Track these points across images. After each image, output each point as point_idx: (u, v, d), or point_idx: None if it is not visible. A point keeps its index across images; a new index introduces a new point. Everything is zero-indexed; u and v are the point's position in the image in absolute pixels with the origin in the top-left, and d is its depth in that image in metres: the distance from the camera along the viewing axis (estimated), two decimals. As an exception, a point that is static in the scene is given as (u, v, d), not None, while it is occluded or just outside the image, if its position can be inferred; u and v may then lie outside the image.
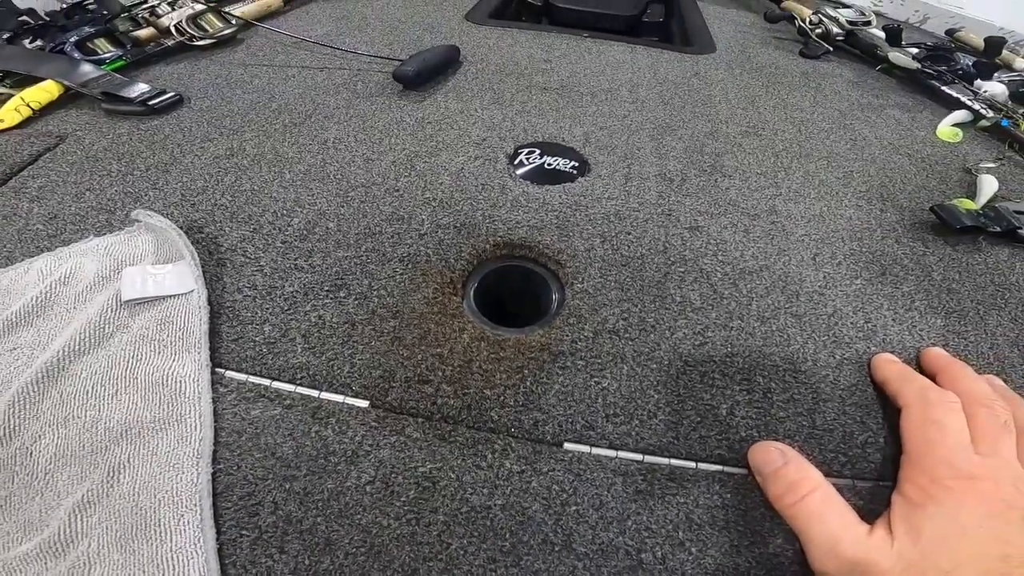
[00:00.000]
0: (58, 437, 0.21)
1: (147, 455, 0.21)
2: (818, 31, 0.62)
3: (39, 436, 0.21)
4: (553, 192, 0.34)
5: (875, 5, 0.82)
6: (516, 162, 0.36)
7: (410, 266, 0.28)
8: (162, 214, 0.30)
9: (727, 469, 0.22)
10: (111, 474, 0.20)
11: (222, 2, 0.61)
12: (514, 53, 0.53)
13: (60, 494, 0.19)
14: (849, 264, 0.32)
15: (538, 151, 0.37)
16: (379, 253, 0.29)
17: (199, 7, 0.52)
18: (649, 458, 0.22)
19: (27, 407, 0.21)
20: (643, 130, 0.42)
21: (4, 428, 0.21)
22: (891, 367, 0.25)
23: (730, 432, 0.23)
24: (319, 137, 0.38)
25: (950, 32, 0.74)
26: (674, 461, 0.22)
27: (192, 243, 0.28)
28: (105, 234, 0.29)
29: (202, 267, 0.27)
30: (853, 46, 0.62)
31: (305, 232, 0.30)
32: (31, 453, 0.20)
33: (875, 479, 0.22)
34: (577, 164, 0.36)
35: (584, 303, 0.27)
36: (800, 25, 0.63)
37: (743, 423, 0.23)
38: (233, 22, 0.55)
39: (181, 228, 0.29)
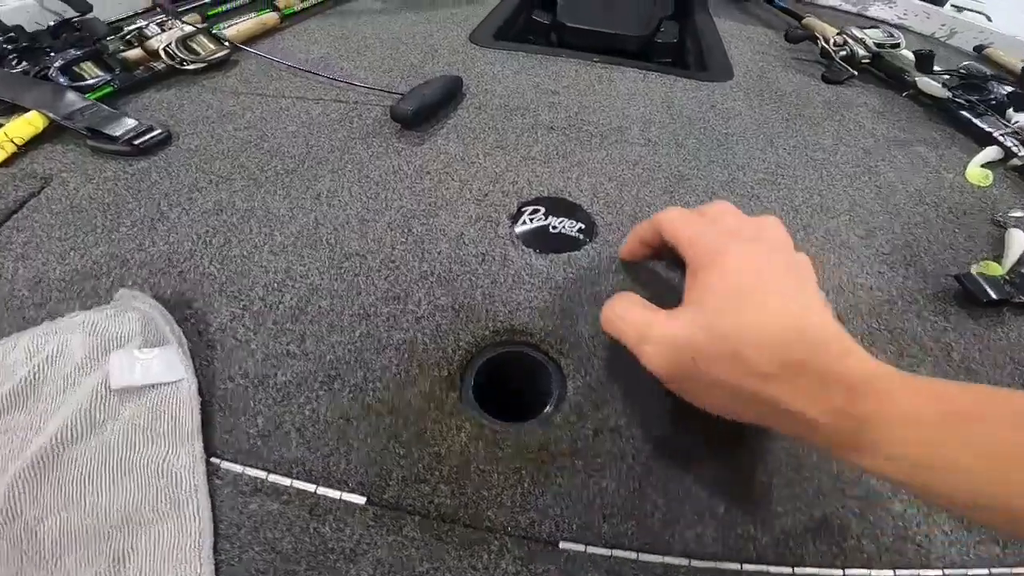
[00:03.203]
0: (60, 521, 0.21)
1: (150, 545, 0.21)
2: (842, 53, 0.58)
3: (41, 519, 0.21)
4: (557, 264, 0.32)
5: (899, 19, 0.78)
6: (519, 223, 0.34)
7: (406, 356, 0.27)
8: (148, 284, 0.29)
9: (720, 565, 0.21)
10: (116, 561, 0.20)
11: (215, 21, 0.59)
12: (520, 83, 0.50)
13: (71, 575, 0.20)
14: (865, 345, 0.29)
15: (543, 210, 0.35)
16: (374, 339, 0.27)
17: (189, 29, 0.50)
18: (644, 556, 0.22)
19: (27, 491, 0.21)
20: (655, 180, 0.39)
21: (6, 510, 0.21)
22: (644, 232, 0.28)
23: (726, 528, 0.22)
24: (312, 189, 0.36)
25: (978, 49, 0.70)
26: (668, 559, 0.21)
27: (180, 320, 0.27)
28: (91, 307, 0.28)
29: (191, 350, 0.25)
30: (879, 69, 0.59)
31: (297, 312, 0.28)
32: (36, 534, 0.21)
33: (891, 567, 0.22)
34: (584, 227, 0.34)
35: (586, 399, 0.26)
36: (823, 47, 0.60)
37: (740, 519, 0.22)
38: (226, 44, 0.52)
39: (169, 301, 0.27)
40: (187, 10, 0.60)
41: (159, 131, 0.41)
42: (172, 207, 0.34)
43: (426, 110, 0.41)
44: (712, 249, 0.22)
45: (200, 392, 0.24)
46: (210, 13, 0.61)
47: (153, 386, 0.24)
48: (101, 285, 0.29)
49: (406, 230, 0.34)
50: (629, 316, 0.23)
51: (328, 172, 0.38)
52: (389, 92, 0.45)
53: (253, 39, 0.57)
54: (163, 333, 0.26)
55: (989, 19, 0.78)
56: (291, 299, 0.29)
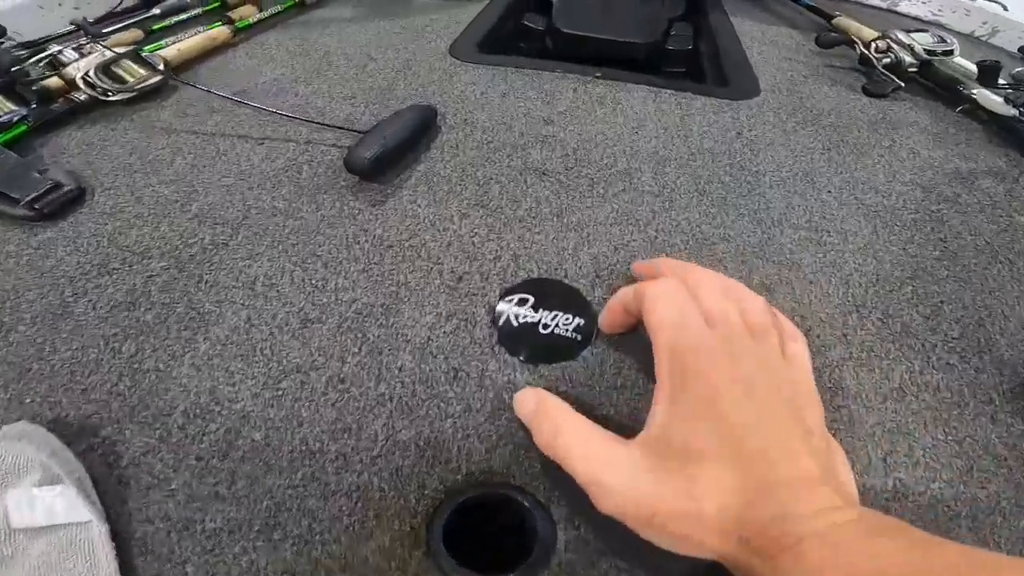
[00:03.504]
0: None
1: None
2: (886, 61, 0.50)
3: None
4: (549, 379, 0.25)
5: (934, 15, 0.69)
6: (502, 321, 0.27)
7: (359, 504, 0.21)
8: (48, 402, 0.23)
9: None
10: None
11: (160, 36, 0.51)
12: (507, 109, 0.42)
13: None
14: (928, 461, 0.23)
15: (531, 299, 0.27)
16: (320, 483, 0.21)
17: (111, 53, 0.42)
18: None
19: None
20: (672, 247, 0.32)
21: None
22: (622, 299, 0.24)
23: None
24: (246, 274, 0.29)
25: None
26: None
27: (87, 451, 0.22)
28: None
29: (100, 488, 0.21)
30: (927, 79, 0.51)
31: (225, 446, 0.22)
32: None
33: None
34: (582, 323, 0.27)
35: (580, 556, 0.20)
36: (863, 52, 0.52)
37: None
38: (160, 66, 0.44)
39: (72, 426, 0.23)
40: (128, 25, 0.52)
41: (68, 187, 0.33)
42: (78, 298, 0.27)
43: (389, 155, 0.34)
44: (691, 362, 0.19)
45: (113, 535, 0.20)
46: (154, 28, 0.53)
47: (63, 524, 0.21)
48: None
49: (360, 335, 0.26)
50: (579, 450, 0.20)
51: (266, 247, 0.30)
52: (347, 129, 0.38)
53: (200, 58, 0.49)
54: (64, 468, 0.21)
55: (1005, 8, 0.69)
56: (217, 429, 0.23)
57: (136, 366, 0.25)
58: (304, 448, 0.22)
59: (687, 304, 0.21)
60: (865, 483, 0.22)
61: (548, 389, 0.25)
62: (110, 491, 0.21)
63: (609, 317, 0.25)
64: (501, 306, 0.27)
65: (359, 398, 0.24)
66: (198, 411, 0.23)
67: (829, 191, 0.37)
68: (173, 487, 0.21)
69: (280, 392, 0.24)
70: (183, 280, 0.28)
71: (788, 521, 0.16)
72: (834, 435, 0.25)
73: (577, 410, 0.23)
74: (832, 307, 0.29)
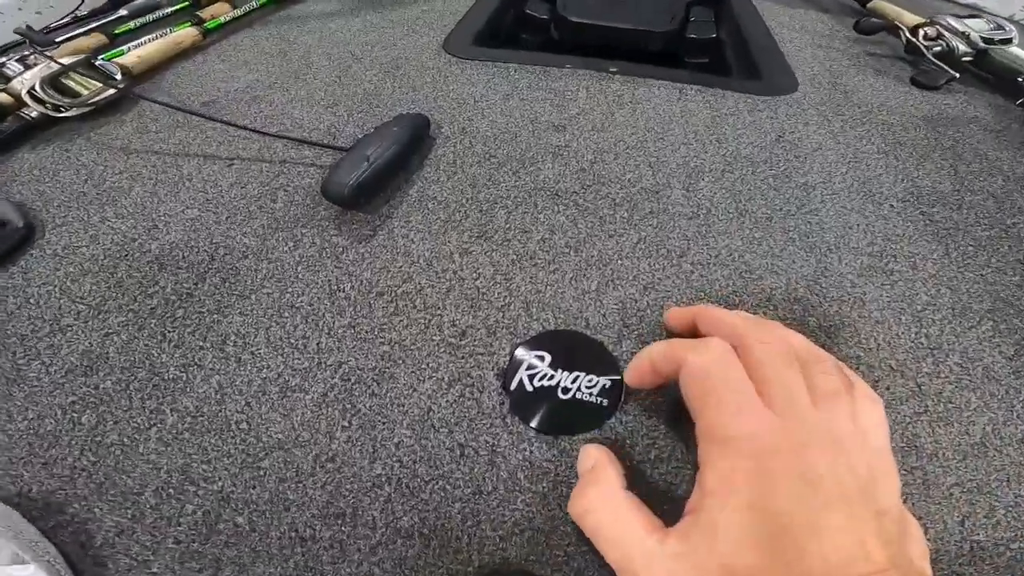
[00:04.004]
0: None
1: None
2: (936, 49, 0.44)
3: None
4: (571, 453, 0.21)
5: None
6: (514, 387, 0.22)
7: None
8: (8, 475, 0.21)
9: None
10: None
11: (124, 41, 0.46)
12: (511, 114, 0.37)
13: None
14: (1010, 521, 0.20)
15: (548, 357, 0.23)
16: (314, 573, 0.19)
17: (58, 65, 0.37)
18: None
19: None
20: (713, 283, 0.27)
21: None
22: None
23: None
24: (214, 331, 0.25)
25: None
26: None
27: (55, 527, 0.20)
28: None
29: (76, 566, 0.19)
30: (983, 68, 0.45)
31: (205, 530, 0.20)
32: None
33: None
34: (608, 385, 0.22)
35: None
36: (910, 40, 0.46)
37: None
38: (118, 76, 0.39)
39: (36, 502, 0.20)
40: (91, 29, 0.47)
41: (16, 225, 0.29)
42: (30, 360, 0.24)
43: (374, 180, 0.29)
44: (744, 452, 0.16)
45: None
46: (118, 31, 0.47)
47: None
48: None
49: (349, 406, 0.22)
50: (613, 532, 0.18)
51: (236, 297, 0.26)
52: (327, 146, 0.33)
53: (166, 63, 0.44)
54: (30, 551, 0.19)
55: None
56: (195, 511, 0.20)
57: (99, 439, 0.22)
58: (294, 534, 0.20)
59: (739, 381, 0.18)
60: (939, 549, 0.20)
61: (567, 477, 0.21)
62: (87, 571, 0.19)
63: (636, 376, 0.21)
64: (512, 367, 0.23)
65: (352, 479, 0.21)
66: (171, 491, 0.21)
67: (891, 204, 0.31)
68: (154, 570, 0.19)
69: (262, 472, 0.21)
70: (143, 339, 0.25)
71: None
72: (905, 501, 0.21)
73: None
74: (903, 352, 0.25)
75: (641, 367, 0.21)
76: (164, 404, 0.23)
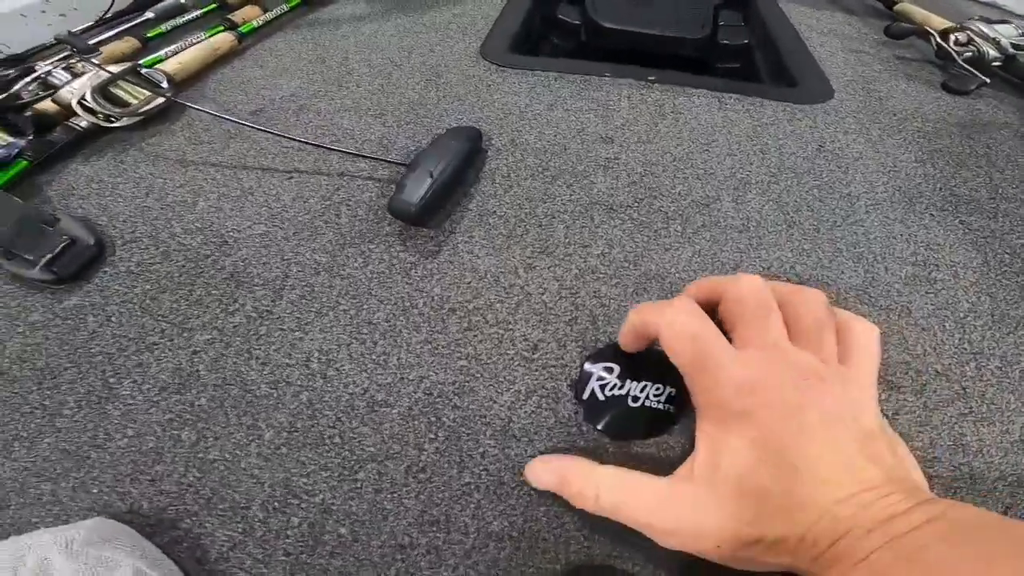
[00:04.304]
0: None
1: None
2: (967, 54, 0.45)
3: None
4: (642, 456, 0.23)
5: None
6: (587, 396, 0.24)
7: None
8: (116, 492, 0.22)
9: None
10: None
11: (156, 47, 0.45)
12: (557, 124, 0.38)
13: None
14: None
15: (617, 368, 0.24)
16: None
17: (105, 74, 0.37)
18: None
19: None
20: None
21: None
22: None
23: None
24: (298, 348, 0.26)
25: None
26: None
27: (170, 543, 0.21)
28: (57, 517, 0.21)
29: None
30: (1012, 73, 0.46)
31: (312, 541, 0.21)
32: None
33: None
34: (674, 392, 0.23)
35: None
36: (940, 45, 0.46)
37: None
38: (164, 84, 0.40)
39: (149, 519, 0.21)
40: (121, 32, 0.47)
41: (87, 243, 0.30)
42: (121, 378, 0.25)
43: (439, 196, 0.30)
44: (730, 403, 0.19)
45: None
46: (150, 34, 0.47)
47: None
48: (60, 490, 0.22)
49: (434, 419, 0.24)
50: (624, 499, 0.19)
51: (315, 314, 0.27)
52: (387, 161, 0.33)
53: (204, 70, 0.45)
54: (156, 571, 0.20)
55: None
56: (300, 524, 0.21)
57: (201, 456, 0.23)
58: (393, 543, 0.21)
59: (709, 335, 0.19)
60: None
61: (640, 467, 0.22)
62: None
63: (625, 340, 0.23)
64: (583, 378, 0.24)
65: (443, 488, 0.22)
66: (276, 504, 0.22)
67: (931, 214, 0.33)
68: (272, 583, 0.20)
69: (358, 484, 0.22)
70: (231, 357, 0.26)
71: (855, 538, 0.16)
72: (955, 495, 0.23)
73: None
74: (948, 357, 0.26)
75: (626, 333, 0.23)
76: (259, 420, 0.24)
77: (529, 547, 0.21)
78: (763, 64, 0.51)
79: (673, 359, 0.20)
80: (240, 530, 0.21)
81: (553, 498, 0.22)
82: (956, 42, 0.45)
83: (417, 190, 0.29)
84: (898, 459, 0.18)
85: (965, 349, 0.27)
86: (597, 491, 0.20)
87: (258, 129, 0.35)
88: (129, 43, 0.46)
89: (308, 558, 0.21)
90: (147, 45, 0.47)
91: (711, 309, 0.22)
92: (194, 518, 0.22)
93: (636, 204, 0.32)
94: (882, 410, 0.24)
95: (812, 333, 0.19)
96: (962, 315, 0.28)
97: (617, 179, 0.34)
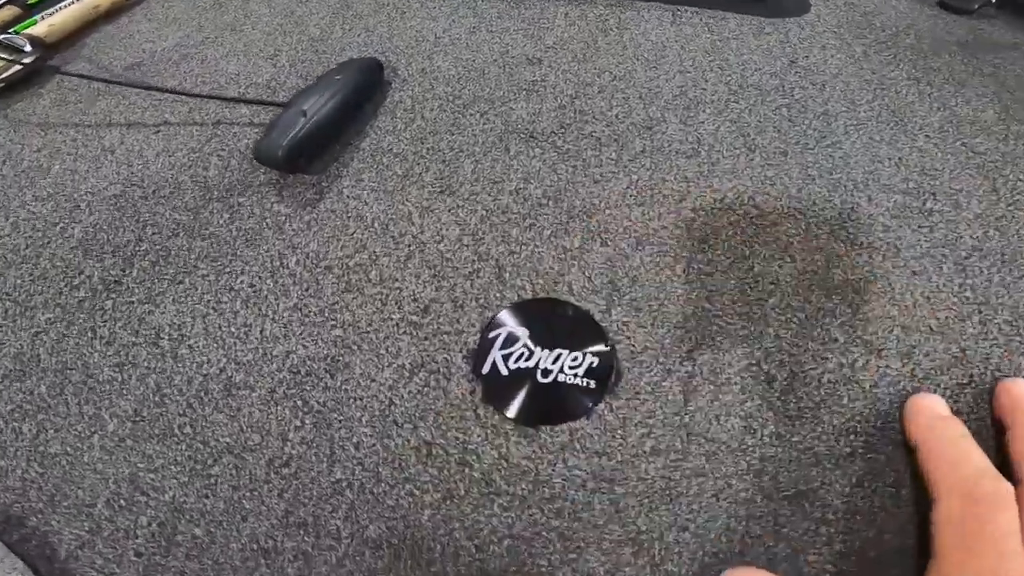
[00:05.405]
0: None
1: None
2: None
3: None
4: (553, 446, 0.18)
5: None
6: (487, 371, 0.19)
7: None
8: None
9: None
10: None
11: (40, 10, 0.40)
12: (478, 48, 0.32)
13: None
14: None
15: (525, 332, 0.19)
16: None
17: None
18: None
19: None
20: (718, 231, 0.23)
21: None
22: (926, 419, 0.18)
23: None
24: (146, 323, 0.22)
25: None
26: None
27: (20, 541, 0.19)
28: None
29: None
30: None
31: (164, 542, 0.18)
32: None
33: None
34: (595, 363, 0.19)
35: None
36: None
37: None
38: (27, 48, 0.34)
39: None
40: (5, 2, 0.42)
41: None
42: None
43: (315, 136, 0.24)
44: None
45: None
46: (31, 0, 0.42)
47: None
48: None
49: (301, 403, 0.20)
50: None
51: (168, 283, 0.23)
52: (261, 102, 0.28)
53: (84, 29, 0.39)
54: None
55: None
56: (149, 523, 0.19)
57: (42, 449, 0.20)
58: (256, 546, 0.18)
59: (1006, 529, 0.15)
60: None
61: (553, 466, 0.18)
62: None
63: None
64: (483, 347, 0.20)
65: (310, 485, 0.19)
66: (123, 502, 0.19)
67: (927, 135, 0.27)
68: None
69: (212, 479, 0.19)
70: (73, 337, 0.22)
71: None
72: None
73: (593, 488, 0.17)
74: (945, 309, 0.21)
75: (907, 430, 0.18)
76: (102, 409, 0.21)
77: (411, 557, 0.17)
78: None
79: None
80: (87, 528, 0.19)
81: (440, 500, 0.18)
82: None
83: (287, 132, 0.24)
84: None
85: (967, 298, 0.21)
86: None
87: (117, 83, 0.30)
88: (11, 11, 0.41)
89: (162, 560, 0.18)
90: (30, 11, 0.41)
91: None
92: (39, 516, 0.19)
93: (562, 130, 0.26)
94: (855, 378, 0.19)
95: None
96: (964, 255, 0.22)
97: (542, 103, 0.28)
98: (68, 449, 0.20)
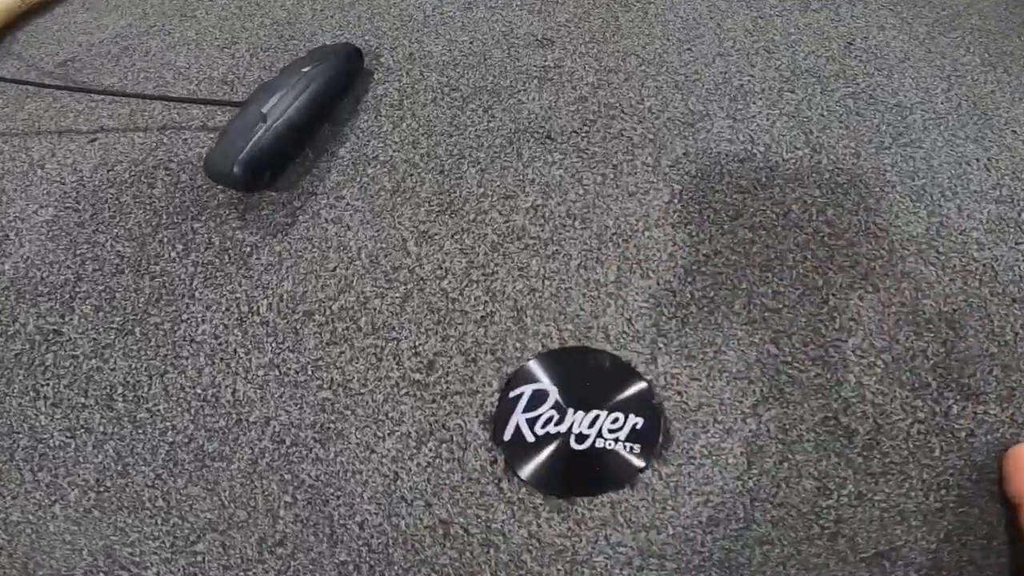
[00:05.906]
0: None
1: None
2: None
3: None
4: (592, 522, 0.15)
5: None
6: (509, 437, 0.16)
7: None
8: None
9: None
10: None
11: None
12: (476, 29, 0.27)
13: None
14: None
15: (553, 391, 0.16)
16: None
17: None
18: None
19: None
20: (785, 259, 0.18)
21: None
22: None
23: None
24: (95, 381, 0.18)
25: None
26: None
27: None
28: None
29: None
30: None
31: None
32: None
33: None
34: (640, 423, 0.16)
35: None
36: None
37: None
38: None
39: None
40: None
41: None
42: None
43: (278, 146, 0.19)
44: None
45: None
46: None
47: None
48: None
49: (290, 476, 0.16)
50: None
51: (115, 332, 0.19)
52: (214, 102, 0.23)
53: (14, 22, 0.33)
54: None
55: None
56: None
57: (3, 516, 0.18)
58: None
59: None
60: None
61: (594, 544, 0.15)
62: None
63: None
64: (504, 410, 0.16)
65: (311, 567, 0.16)
66: (103, 574, 0.17)
67: (1014, 131, 0.22)
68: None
69: (198, 557, 0.17)
70: (15, 397, 0.19)
71: None
72: None
73: (640, 565, 0.15)
74: None
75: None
76: (59, 477, 0.18)
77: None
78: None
79: None
80: None
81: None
82: None
83: (240, 141, 0.19)
84: None
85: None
86: None
87: (39, 85, 0.25)
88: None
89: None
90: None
91: None
92: None
93: (585, 129, 0.22)
94: (949, 427, 0.16)
95: None
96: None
97: (558, 94, 0.23)
98: (30, 517, 0.18)
